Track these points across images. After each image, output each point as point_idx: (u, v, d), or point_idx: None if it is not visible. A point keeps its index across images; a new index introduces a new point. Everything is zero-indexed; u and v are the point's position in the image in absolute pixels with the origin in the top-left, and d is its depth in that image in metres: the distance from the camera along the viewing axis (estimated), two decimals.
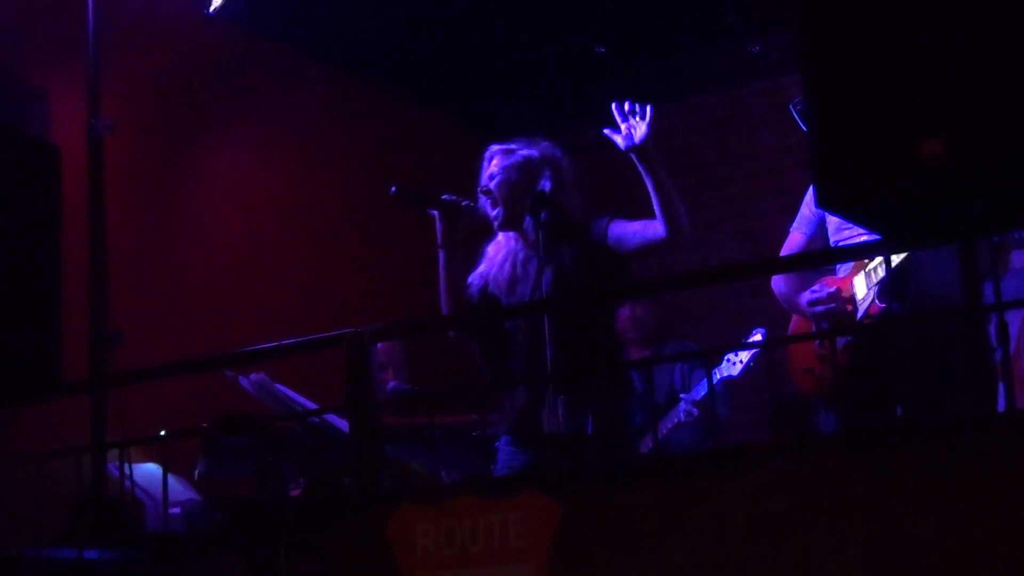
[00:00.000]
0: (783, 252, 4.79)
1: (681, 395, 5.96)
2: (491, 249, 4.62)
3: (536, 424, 4.25)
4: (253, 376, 4.71)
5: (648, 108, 4.29)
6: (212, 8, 6.25)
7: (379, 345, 5.69)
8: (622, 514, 3.10)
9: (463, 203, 4.48)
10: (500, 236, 4.59)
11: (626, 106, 4.32)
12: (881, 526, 2.82)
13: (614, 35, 7.46)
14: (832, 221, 4.60)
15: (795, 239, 4.76)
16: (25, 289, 4.26)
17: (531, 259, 4.50)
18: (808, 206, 4.74)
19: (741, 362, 5.71)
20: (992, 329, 3.14)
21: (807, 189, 4.76)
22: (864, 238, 4.40)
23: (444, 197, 4.49)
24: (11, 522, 4.17)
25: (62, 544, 4.09)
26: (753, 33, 7.43)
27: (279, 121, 7.20)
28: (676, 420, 5.93)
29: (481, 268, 4.62)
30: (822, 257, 4.46)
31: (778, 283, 4.71)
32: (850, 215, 3.37)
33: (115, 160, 5.29)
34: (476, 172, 4.64)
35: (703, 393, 5.90)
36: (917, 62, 2.77)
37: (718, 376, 5.77)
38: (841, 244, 4.54)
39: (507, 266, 4.54)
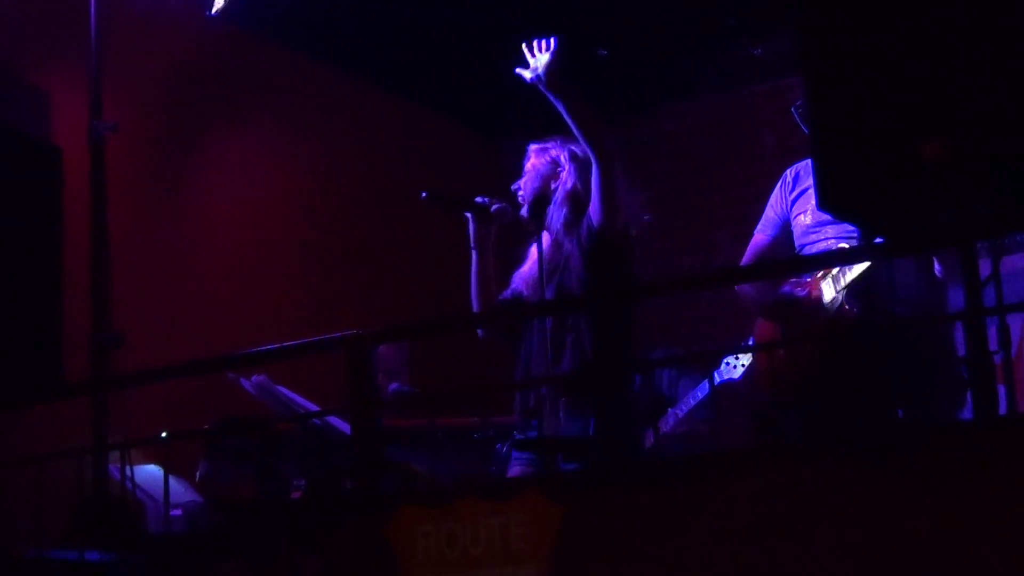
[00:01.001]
0: (747, 254, 4.78)
1: (669, 409, 5.90)
2: (533, 250, 4.63)
3: (532, 427, 4.27)
4: (255, 378, 4.71)
5: (553, 40, 4.37)
6: (214, 9, 6.24)
7: (380, 350, 5.69)
8: (623, 516, 3.10)
9: (494, 206, 4.52)
10: (544, 237, 4.57)
11: (534, 44, 4.41)
12: (883, 529, 2.82)
13: (616, 38, 7.45)
14: (799, 224, 4.60)
15: (758, 240, 4.76)
16: (27, 290, 4.26)
17: (555, 257, 4.53)
18: (772, 208, 4.74)
19: (743, 366, 5.65)
20: (986, 333, 3.13)
21: (771, 192, 4.77)
22: (832, 241, 4.41)
23: (477, 200, 4.52)
24: (13, 523, 4.17)
25: (64, 545, 4.09)
26: (755, 36, 7.43)
27: (281, 123, 7.20)
28: (663, 431, 5.87)
29: (523, 268, 4.65)
30: (821, 260, 4.44)
31: (743, 285, 4.70)
32: (851, 217, 3.37)
33: (117, 161, 5.29)
34: (477, 173, 4.67)
35: (692, 405, 5.85)
36: (917, 65, 2.78)
37: (718, 380, 5.72)
38: (808, 247, 4.53)
39: (535, 267, 4.56)
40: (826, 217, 4.28)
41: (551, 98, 4.40)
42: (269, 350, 4.01)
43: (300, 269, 7.06)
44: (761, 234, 4.75)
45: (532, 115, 8.20)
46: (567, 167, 4.56)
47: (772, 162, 7.65)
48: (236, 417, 4.55)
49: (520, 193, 4.56)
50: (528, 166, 4.62)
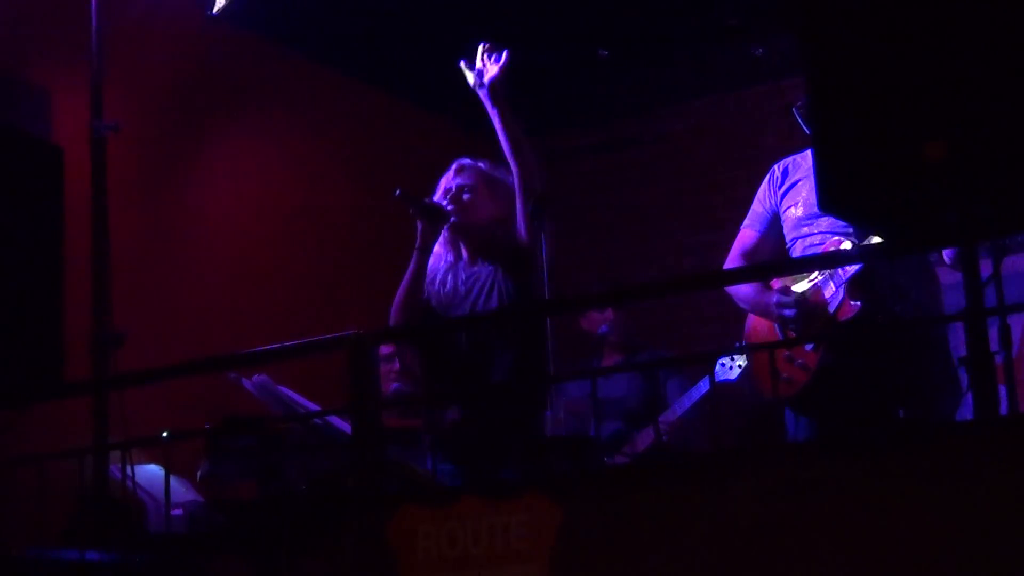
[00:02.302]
0: (734, 250, 4.76)
1: (659, 418, 5.89)
2: (431, 260, 4.70)
3: (463, 442, 4.33)
4: (255, 378, 4.70)
5: (504, 53, 4.52)
6: (215, 9, 6.25)
7: (401, 352, 5.72)
8: (625, 516, 3.09)
9: (450, 209, 4.61)
10: (438, 247, 4.70)
11: (484, 48, 4.54)
12: (885, 529, 2.81)
13: (617, 38, 7.45)
14: (789, 217, 4.58)
15: (747, 236, 4.74)
16: (27, 290, 4.26)
17: (472, 277, 4.61)
18: (760, 203, 4.72)
19: (739, 367, 5.63)
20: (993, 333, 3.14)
21: (759, 187, 4.76)
22: (827, 234, 4.40)
23: (440, 203, 4.64)
24: (13, 523, 4.17)
25: (64, 545, 4.09)
26: (756, 36, 7.43)
27: (281, 122, 7.20)
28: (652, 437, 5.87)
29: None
30: (820, 261, 4.43)
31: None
32: (853, 217, 3.37)
33: (118, 161, 5.29)
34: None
35: (687, 407, 5.84)
36: (920, 65, 2.78)
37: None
38: (800, 240, 4.51)
39: (448, 281, 4.64)
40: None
41: (489, 107, 4.56)
42: (270, 350, 4.01)
43: (301, 268, 7.06)
44: (749, 229, 4.73)
45: (535, 114, 8.25)
46: (508, 193, 4.60)
47: (773, 162, 7.67)
48: (237, 417, 4.54)
49: (461, 204, 4.61)
50: (468, 178, 4.68)
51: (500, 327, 4.50)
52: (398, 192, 4.56)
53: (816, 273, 4.40)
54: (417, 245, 4.63)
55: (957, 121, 2.72)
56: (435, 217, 4.61)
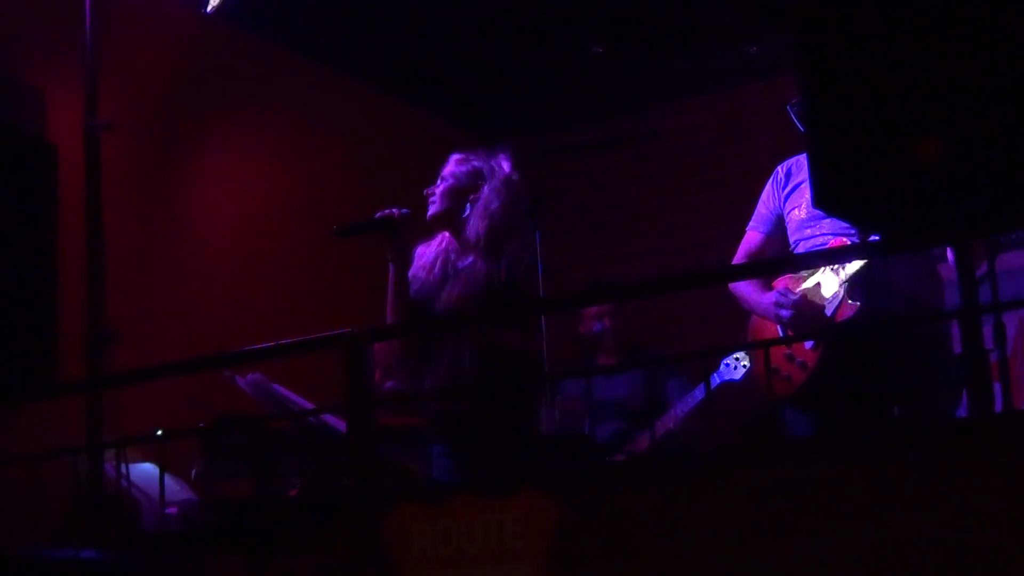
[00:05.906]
0: (740, 251, 4.75)
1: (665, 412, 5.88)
2: (421, 249, 4.67)
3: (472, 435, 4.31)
4: (250, 376, 4.70)
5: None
6: (210, 7, 6.24)
7: (378, 347, 5.70)
8: (620, 514, 3.10)
9: (397, 213, 4.52)
10: (436, 238, 4.64)
11: None
12: (881, 527, 2.82)
13: (611, 36, 7.45)
14: (793, 219, 4.58)
15: (752, 238, 4.73)
16: (22, 288, 4.26)
17: (461, 260, 4.55)
18: (764, 204, 4.72)
19: (744, 367, 5.62)
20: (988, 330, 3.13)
21: (763, 187, 4.76)
22: (828, 236, 4.40)
23: (378, 215, 4.53)
24: (8, 522, 4.17)
25: (58, 544, 4.09)
26: (750, 34, 7.43)
27: (277, 121, 7.19)
28: (659, 433, 5.84)
29: (410, 270, 4.68)
30: (817, 258, 4.43)
31: (738, 284, 4.67)
32: (847, 215, 3.36)
33: (112, 159, 5.29)
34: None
35: (691, 406, 5.82)
36: (914, 62, 2.77)
37: (717, 380, 5.70)
38: (803, 242, 4.51)
39: (437, 268, 4.59)
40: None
41: None
42: (265, 348, 4.00)
43: (297, 266, 7.05)
44: (754, 231, 4.73)
45: (529, 112, 8.25)
46: (488, 182, 4.56)
47: (768, 160, 7.65)
48: (232, 415, 4.54)
49: (431, 200, 4.57)
50: (447, 170, 4.61)
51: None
52: (335, 228, 4.53)
53: (820, 272, 4.40)
54: (389, 259, 4.55)
55: (952, 118, 2.72)
56: (387, 228, 4.52)
